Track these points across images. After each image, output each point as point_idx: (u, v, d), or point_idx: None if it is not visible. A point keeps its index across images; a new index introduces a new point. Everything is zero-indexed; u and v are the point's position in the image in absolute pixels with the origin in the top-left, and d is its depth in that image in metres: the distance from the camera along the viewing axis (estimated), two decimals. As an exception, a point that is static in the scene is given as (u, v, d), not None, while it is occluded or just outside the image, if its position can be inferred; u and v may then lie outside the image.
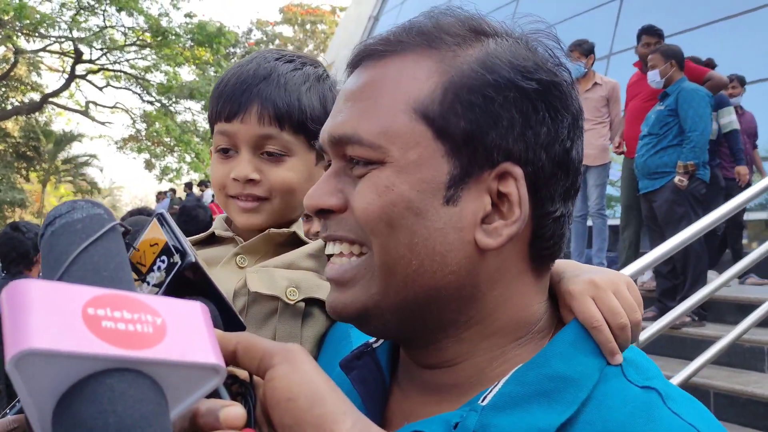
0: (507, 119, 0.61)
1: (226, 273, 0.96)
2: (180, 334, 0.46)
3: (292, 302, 0.93)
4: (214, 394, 0.55)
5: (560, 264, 0.72)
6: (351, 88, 0.66)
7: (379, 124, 0.62)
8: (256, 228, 1.00)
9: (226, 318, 0.62)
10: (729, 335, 3.57)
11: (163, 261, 0.61)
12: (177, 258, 0.60)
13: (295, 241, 1.03)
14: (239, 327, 0.64)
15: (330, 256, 0.68)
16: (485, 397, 0.61)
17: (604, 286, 0.67)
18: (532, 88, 0.61)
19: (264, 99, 0.97)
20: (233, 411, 0.51)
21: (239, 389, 0.59)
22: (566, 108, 0.63)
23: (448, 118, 0.61)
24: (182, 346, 0.46)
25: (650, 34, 5.44)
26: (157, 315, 0.46)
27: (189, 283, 0.60)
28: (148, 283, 0.60)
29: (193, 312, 0.50)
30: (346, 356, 0.74)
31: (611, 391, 0.60)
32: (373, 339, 0.74)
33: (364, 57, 0.67)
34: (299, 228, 1.04)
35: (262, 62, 1.01)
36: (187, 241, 0.62)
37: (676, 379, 3.35)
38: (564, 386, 0.60)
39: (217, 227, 1.05)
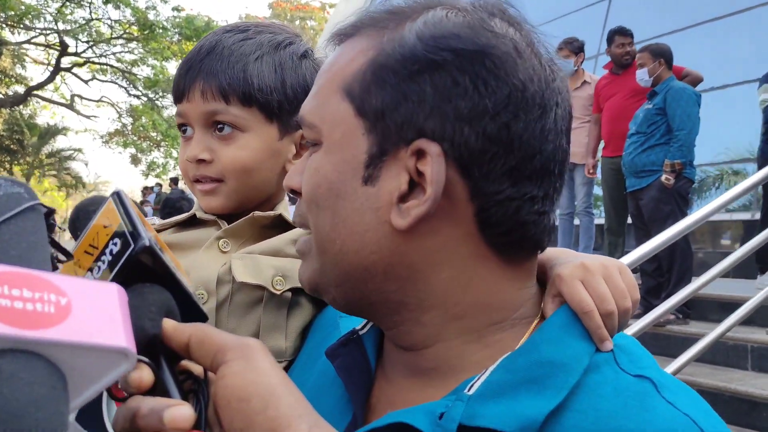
0: (416, 94, 0.58)
1: (208, 258, 0.92)
2: (86, 316, 0.44)
3: (278, 292, 0.89)
4: (163, 392, 0.52)
5: (553, 251, 0.70)
6: (319, 71, 0.68)
7: (316, 104, 0.65)
8: (218, 211, 0.96)
9: (185, 308, 0.58)
10: (712, 333, 3.59)
11: (115, 244, 0.57)
12: (130, 242, 0.56)
13: (281, 224, 0.99)
14: (200, 317, 0.60)
15: None
16: (472, 386, 0.59)
17: (594, 271, 0.65)
18: (444, 59, 0.58)
19: (206, 74, 0.92)
20: (179, 411, 0.48)
21: (192, 386, 0.55)
22: (501, 79, 0.58)
23: (364, 97, 0.61)
24: (86, 328, 0.43)
25: (623, 34, 5.50)
26: (63, 295, 0.43)
27: (145, 268, 0.56)
28: (99, 268, 0.56)
29: (106, 293, 0.47)
30: (332, 344, 0.72)
31: (603, 380, 0.58)
32: (359, 326, 0.73)
33: (334, 40, 0.68)
34: (285, 209, 0.99)
35: (210, 37, 0.97)
36: (142, 224, 0.58)
37: (661, 376, 3.36)
38: (553, 371, 0.58)
39: (198, 209, 1.00)
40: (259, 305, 0.90)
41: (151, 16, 18.48)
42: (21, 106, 23.32)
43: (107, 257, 0.56)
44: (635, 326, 3.31)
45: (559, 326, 0.62)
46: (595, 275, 0.65)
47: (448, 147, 0.58)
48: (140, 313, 0.52)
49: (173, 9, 19.03)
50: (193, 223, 1.00)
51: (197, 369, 0.56)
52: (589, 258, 0.68)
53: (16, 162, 25.81)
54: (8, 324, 0.40)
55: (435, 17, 0.60)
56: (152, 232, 0.59)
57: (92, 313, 0.44)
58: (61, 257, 0.58)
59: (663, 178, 4.61)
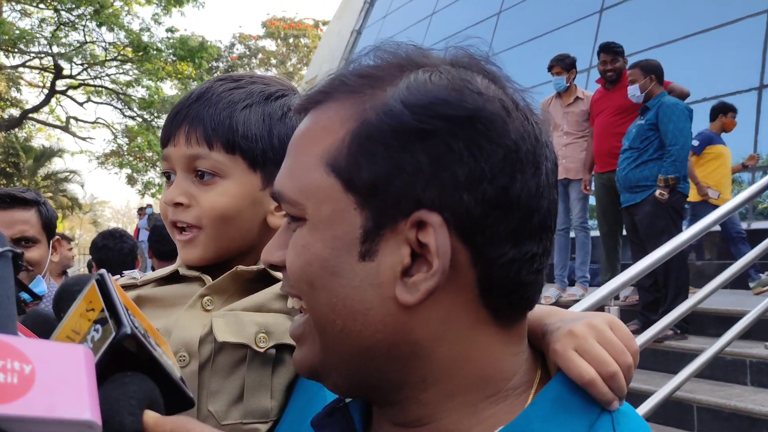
0: (411, 165, 0.56)
1: (190, 318, 0.89)
2: (50, 385, 0.42)
3: (262, 350, 0.87)
4: None
5: (541, 313, 0.68)
6: (291, 141, 0.65)
7: (297, 179, 0.61)
8: (196, 263, 0.94)
9: (170, 392, 0.57)
10: (711, 348, 3.57)
11: (97, 330, 0.54)
12: (111, 329, 0.53)
13: (266, 278, 0.96)
14: (186, 402, 0.58)
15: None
16: None
17: (585, 335, 0.63)
18: (435, 127, 0.56)
19: (192, 119, 0.92)
20: None
21: None
22: (495, 142, 0.56)
23: (352, 170, 0.58)
24: (50, 399, 0.41)
25: (606, 51, 5.49)
26: (27, 362, 0.42)
27: (128, 355, 0.54)
28: None
29: (72, 358, 0.45)
30: (318, 413, 0.69)
31: None
32: None
33: (302, 109, 0.65)
34: None
35: (203, 85, 0.97)
36: (125, 309, 0.55)
37: (660, 394, 3.34)
38: None
39: (181, 266, 0.97)
40: (243, 364, 0.87)
41: (145, 37, 18.51)
42: (16, 129, 23.33)
43: (88, 344, 0.54)
44: (633, 344, 3.29)
45: (552, 400, 0.59)
46: (587, 339, 0.62)
47: (449, 215, 0.56)
48: (120, 407, 0.50)
49: (167, 30, 19.08)
50: (176, 277, 0.98)
51: None
52: (578, 322, 0.65)
53: (12, 185, 25.79)
54: None
55: (417, 81, 0.58)
56: (138, 317, 0.57)
57: (57, 382, 0.42)
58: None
59: (657, 193, 4.60)
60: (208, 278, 0.94)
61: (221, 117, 0.91)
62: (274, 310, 0.91)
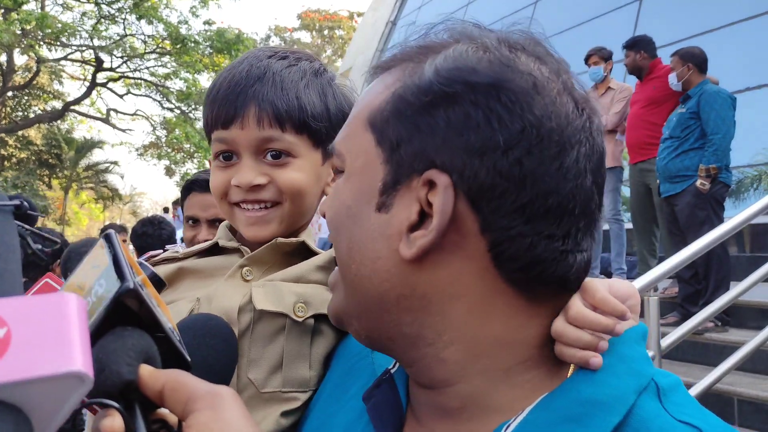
0: (428, 126, 0.59)
1: (230, 287, 0.91)
2: (30, 344, 0.39)
3: (300, 319, 0.88)
4: None
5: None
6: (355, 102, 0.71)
7: (346, 134, 0.68)
8: (265, 240, 0.95)
9: (169, 355, 0.57)
10: (753, 341, 3.51)
11: (101, 285, 0.54)
12: (115, 284, 0.52)
13: (304, 251, 0.98)
14: (185, 365, 0.58)
15: None
16: (509, 426, 0.58)
17: (573, 312, 0.62)
18: (456, 92, 0.58)
19: (261, 100, 0.91)
20: None
21: None
22: (515, 114, 0.57)
23: (384, 127, 0.62)
24: (30, 359, 0.38)
25: (628, 48, 5.44)
26: (1, 324, 0.39)
27: (130, 312, 0.54)
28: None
29: (59, 309, 0.41)
30: (368, 388, 0.71)
31: (648, 417, 0.56)
32: (391, 364, 0.73)
33: (372, 75, 0.70)
34: (308, 236, 0.99)
35: (255, 62, 0.96)
36: (129, 267, 0.55)
37: (700, 386, 3.30)
38: (594, 410, 0.56)
39: (221, 237, 0.99)
40: (282, 333, 0.88)
41: (183, 30, 18.75)
42: (59, 121, 23.87)
43: (92, 299, 0.54)
44: (673, 335, 3.26)
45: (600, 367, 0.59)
46: (574, 309, 0.62)
47: (457, 179, 0.58)
48: (118, 358, 0.51)
49: (204, 23, 19.31)
50: (215, 250, 1.00)
51: (173, 419, 0.56)
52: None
53: (54, 176, 26.39)
54: None
55: (456, 52, 0.62)
56: (141, 276, 0.57)
57: (38, 339, 0.39)
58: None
59: (698, 183, 4.53)
60: (246, 249, 0.96)
61: (290, 98, 0.92)
62: (313, 281, 0.93)
